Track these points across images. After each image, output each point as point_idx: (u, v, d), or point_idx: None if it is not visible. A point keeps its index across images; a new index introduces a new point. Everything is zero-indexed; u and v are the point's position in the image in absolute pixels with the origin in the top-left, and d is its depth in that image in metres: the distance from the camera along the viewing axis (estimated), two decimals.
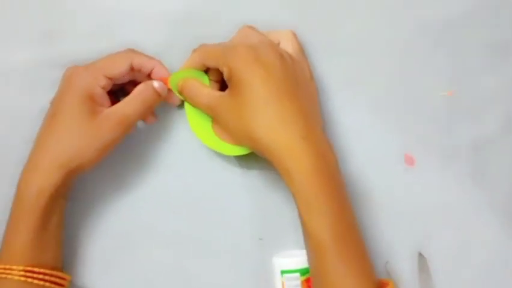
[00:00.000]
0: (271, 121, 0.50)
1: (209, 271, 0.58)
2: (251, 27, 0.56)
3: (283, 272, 0.56)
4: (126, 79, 0.56)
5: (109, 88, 0.54)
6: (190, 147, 0.59)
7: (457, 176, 0.61)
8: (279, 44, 0.55)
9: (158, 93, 0.55)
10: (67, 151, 0.51)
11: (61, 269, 0.54)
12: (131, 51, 0.56)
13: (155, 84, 0.55)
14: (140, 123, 0.59)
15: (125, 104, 0.54)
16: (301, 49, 0.57)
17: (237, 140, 0.53)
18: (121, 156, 0.58)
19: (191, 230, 0.58)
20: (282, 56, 0.52)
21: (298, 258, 0.55)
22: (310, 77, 0.55)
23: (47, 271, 0.51)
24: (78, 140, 0.52)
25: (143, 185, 0.59)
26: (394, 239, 0.60)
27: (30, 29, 0.59)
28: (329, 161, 0.50)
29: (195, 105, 0.55)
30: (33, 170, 0.52)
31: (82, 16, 0.59)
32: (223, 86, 0.56)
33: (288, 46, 0.55)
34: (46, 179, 0.51)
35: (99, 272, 0.58)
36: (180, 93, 0.56)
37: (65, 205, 0.54)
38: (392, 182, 0.60)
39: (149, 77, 0.56)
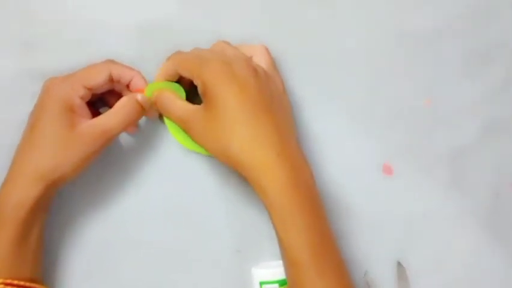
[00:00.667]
0: (245, 138, 0.50)
1: (187, 283, 0.58)
2: (225, 42, 0.56)
3: (262, 283, 0.56)
4: (105, 89, 0.55)
5: (88, 98, 0.54)
6: (168, 159, 0.59)
7: (435, 185, 0.61)
8: (251, 58, 0.55)
9: (141, 107, 0.55)
10: (46, 163, 0.51)
11: (41, 282, 0.53)
12: (110, 61, 0.55)
13: (139, 97, 0.55)
14: (121, 135, 0.59)
15: (107, 117, 0.53)
16: (274, 63, 0.56)
17: (211, 154, 0.52)
18: (100, 167, 0.58)
19: (169, 242, 0.58)
20: (256, 71, 0.52)
21: (276, 270, 0.55)
22: (283, 90, 0.55)
23: (27, 284, 0.51)
24: (58, 151, 0.51)
25: (120, 196, 0.58)
26: (373, 248, 0.60)
27: (8, 40, 0.59)
28: (304, 175, 0.50)
29: (168, 117, 0.55)
30: (13, 182, 0.51)
31: (60, 27, 0.58)
32: (194, 93, 0.56)
33: (261, 61, 0.55)
34: (26, 191, 0.51)
35: (79, 284, 0.58)
36: (154, 103, 0.56)
37: (45, 218, 0.53)
38: (370, 191, 0.61)
39: (128, 87, 0.56)
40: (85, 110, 0.53)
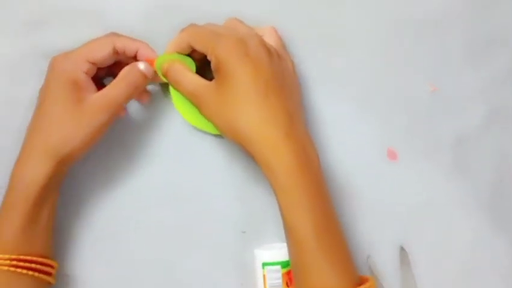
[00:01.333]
0: (256, 117, 0.50)
1: (191, 263, 0.58)
2: (238, 20, 0.56)
3: (264, 264, 0.56)
4: (110, 62, 0.55)
5: (93, 73, 0.54)
6: (173, 140, 0.59)
7: (439, 170, 0.61)
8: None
9: (144, 75, 0.54)
10: (56, 139, 0.51)
11: (51, 257, 0.53)
12: (114, 34, 0.55)
13: (141, 65, 0.54)
14: (128, 116, 0.59)
15: (111, 87, 0.53)
16: (284, 44, 0.57)
17: (220, 130, 0.53)
18: (104, 149, 0.58)
19: (175, 222, 0.59)
20: (270, 52, 0.52)
21: (279, 251, 0.56)
22: (294, 72, 0.56)
23: (34, 258, 0.51)
24: (65, 127, 0.51)
25: (126, 177, 0.59)
26: (376, 233, 0.60)
27: (15, 19, 0.59)
28: (311, 157, 0.51)
29: (179, 90, 0.55)
30: (24, 160, 0.51)
31: (68, 4, 0.59)
32: (204, 66, 0.56)
33: (271, 41, 0.55)
34: (37, 168, 0.51)
35: (85, 262, 0.58)
36: (164, 75, 0.56)
37: (57, 196, 0.54)
38: (374, 176, 0.61)
39: (135, 59, 0.56)
40: (91, 85, 0.53)
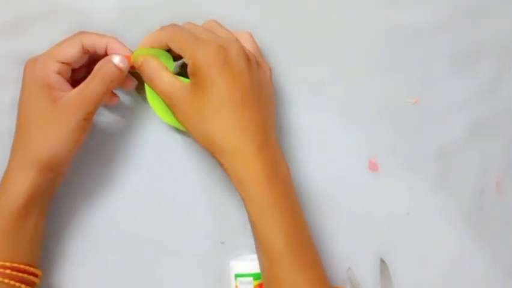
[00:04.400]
0: (229, 127, 0.50)
1: (170, 274, 0.58)
2: (218, 23, 0.55)
3: (237, 276, 0.56)
4: (82, 61, 0.54)
5: (67, 73, 0.53)
6: (151, 149, 0.59)
7: (421, 182, 0.61)
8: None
9: (118, 68, 0.53)
10: (36, 145, 0.50)
11: (36, 266, 0.53)
12: (81, 32, 0.54)
13: (115, 59, 0.53)
14: (109, 126, 0.59)
15: (85, 83, 0.52)
16: (260, 50, 0.56)
17: (192, 135, 0.52)
18: (81, 158, 0.57)
19: (153, 232, 0.58)
20: (249, 60, 0.52)
21: (252, 263, 0.55)
22: (270, 79, 0.55)
23: (20, 266, 0.50)
24: (45, 130, 0.50)
25: (104, 187, 0.58)
26: (356, 244, 0.60)
27: None
28: (281, 169, 0.51)
29: (152, 88, 0.54)
30: (10, 171, 0.51)
31: (45, 10, 0.58)
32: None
33: (247, 47, 0.54)
34: (21, 179, 0.50)
35: (65, 272, 0.57)
36: (138, 69, 0.54)
37: (46, 205, 0.53)
38: (355, 187, 0.60)
39: (107, 55, 0.54)
40: (65, 85, 0.52)
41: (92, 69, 0.54)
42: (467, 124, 0.62)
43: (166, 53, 0.54)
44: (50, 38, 0.55)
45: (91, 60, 0.55)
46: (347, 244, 0.60)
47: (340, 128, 0.61)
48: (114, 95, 0.57)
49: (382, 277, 0.60)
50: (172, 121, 0.55)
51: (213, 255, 0.58)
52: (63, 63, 0.52)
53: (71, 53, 0.52)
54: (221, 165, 0.50)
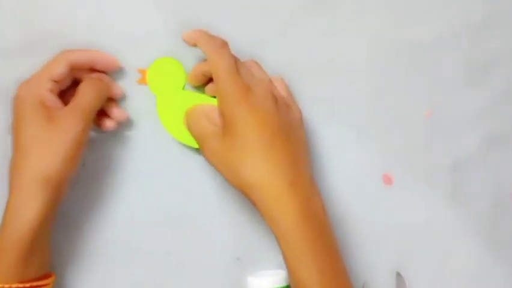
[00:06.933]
0: (259, 165, 0.50)
1: None
2: (256, 62, 0.56)
3: None
4: (71, 78, 0.56)
5: (57, 91, 0.54)
6: (168, 163, 0.59)
7: (435, 195, 0.61)
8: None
9: (102, 81, 0.55)
10: (40, 167, 0.50)
11: (48, 271, 0.53)
12: (66, 50, 0.55)
13: (95, 74, 0.56)
14: (117, 140, 0.59)
15: (77, 98, 0.53)
16: (291, 94, 0.56)
17: (224, 176, 0.52)
18: (95, 171, 0.58)
19: (168, 246, 0.58)
20: (277, 101, 0.52)
21: (270, 278, 0.55)
22: (301, 121, 0.55)
23: (27, 285, 0.50)
24: (45, 151, 0.50)
25: (118, 201, 0.58)
26: (372, 258, 0.60)
27: None
28: (315, 206, 0.50)
29: (189, 130, 0.56)
30: (15, 198, 0.50)
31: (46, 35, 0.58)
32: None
33: (280, 89, 0.55)
34: (30, 206, 0.49)
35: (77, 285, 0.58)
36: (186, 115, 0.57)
37: (52, 226, 0.53)
38: (370, 201, 0.60)
39: (95, 70, 0.56)
40: (58, 102, 0.53)
41: (75, 86, 0.55)
42: (481, 136, 0.62)
43: (177, 63, 0.58)
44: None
45: (74, 78, 0.56)
46: (362, 258, 0.60)
47: (354, 142, 0.61)
48: (116, 87, 0.58)
49: None
50: (190, 142, 0.56)
51: (229, 272, 0.58)
52: (54, 81, 0.53)
53: (59, 69, 0.54)
54: (254, 204, 0.50)
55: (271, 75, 0.56)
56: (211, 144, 0.53)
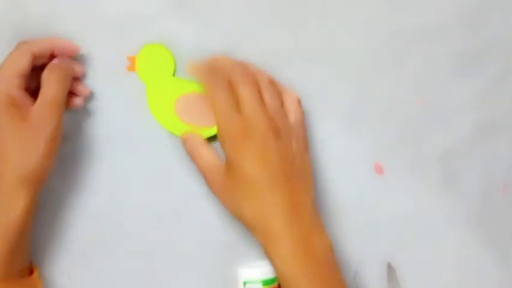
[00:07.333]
0: (259, 209, 0.50)
1: (175, 281, 0.57)
2: (270, 80, 0.55)
3: (245, 283, 0.55)
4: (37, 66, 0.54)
5: (25, 85, 0.52)
6: (158, 155, 0.58)
7: (427, 185, 0.61)
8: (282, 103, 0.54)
9: (62, 67, 0.53)
10: (20, 167, 0.49)
11: (30, 265, 0.53)
12: (23, 42, 0.53)
13: (55, 61, 0.54)
14: (110, 132, 0.58)
15: (44, 92, 0.51)
16: (303, 119, 0.55)
17: (226, 208, 0.53)
18: (90, 163, 0.57)
19: (160, 239, 0.58)
20: (279, 135, 0.51)
21: (261, 269, 0.55)
22: (305, 148, 0.54)
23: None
24: (22, 150, 0.50)
25: (111, 192, 0.57)
26: (363, 249, 0.59)
27: None
28: (317, 242, 0.50)
29: (192, 160, 0.55)
30: None
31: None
32: None
33: (290, 111, 0.54)
34: (13, 205, 0.49)
35: (67, 278, 0.57)
36: (182, 141, 0.56)
37: (34, 219, 0.52)
38: (361, 190, 0.60)
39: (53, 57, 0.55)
40: (28, 98, 0.52)
41: (38, 75, 0.53)
42: (472, 125, 0.61)
43: (166, 50, 0.57)
44: None
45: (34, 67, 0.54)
46: (353, 249, 0.59)
47: (344, 131, 0.60)
48: (74, 96, 0.56)
49: (390, 282, 0.59)
50: (174, 130, 0.56)
51: (220, 263, 0.58)
52: (20, 76, 0.52)
53: (25, 63, 0.52)
54: (256, 240, 0.51)
55: (288, 89, 0.55)
56: (214, 179, 0.53)
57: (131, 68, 0.57)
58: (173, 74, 0.57)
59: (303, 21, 0.60)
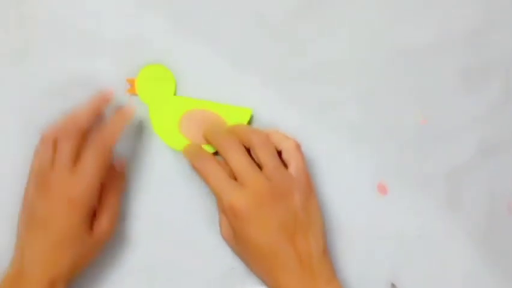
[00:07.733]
0: (267, 266, 0.51)
1: None
2: (276, 134, 0.55)
3: None
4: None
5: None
6: (160, 174, 0.58)
7: (431, 205, 0.60)
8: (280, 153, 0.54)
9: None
10: (66, 266, 0.51)
11: None
12: (74, 116, 0.53)
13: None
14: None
15: (100, 222, 0.53)
16: (304, 164, 0.54)
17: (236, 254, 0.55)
18: None
19: (162, 257, 0.57)
20: (280, 195, 0.51)
21: None
22: (311, 192, 0.53)
23: None
24: (79, 254, 0.52)
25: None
26: (366, 268, 0.59)
27: None
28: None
29: (203, 178, 0.54)
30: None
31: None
32: None
33: (290, 159, 0.53)
34: None
35: None
36: (184, 153, 0.56)
37: None
38: (364, 210, 0.60)
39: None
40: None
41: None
42: (477, 143, 0.61)
43: (168, 72, 0.57)
44: None
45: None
46: (357, 268, 0.59)
47: (347, 151, 0.60)
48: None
49: None
50: (177, 145, 0.56)
51: (224, 281, 0.58)
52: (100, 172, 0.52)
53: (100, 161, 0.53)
54: None
55: (286, 135, 0.54)
56: (225, 221, 0.54)
57: (132, 90, 0.57)
58: (175, 93, 0.57)
59: (305, 39, 0.60)
